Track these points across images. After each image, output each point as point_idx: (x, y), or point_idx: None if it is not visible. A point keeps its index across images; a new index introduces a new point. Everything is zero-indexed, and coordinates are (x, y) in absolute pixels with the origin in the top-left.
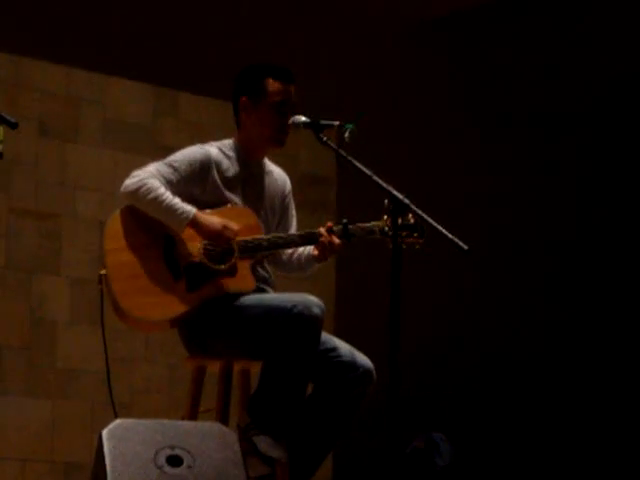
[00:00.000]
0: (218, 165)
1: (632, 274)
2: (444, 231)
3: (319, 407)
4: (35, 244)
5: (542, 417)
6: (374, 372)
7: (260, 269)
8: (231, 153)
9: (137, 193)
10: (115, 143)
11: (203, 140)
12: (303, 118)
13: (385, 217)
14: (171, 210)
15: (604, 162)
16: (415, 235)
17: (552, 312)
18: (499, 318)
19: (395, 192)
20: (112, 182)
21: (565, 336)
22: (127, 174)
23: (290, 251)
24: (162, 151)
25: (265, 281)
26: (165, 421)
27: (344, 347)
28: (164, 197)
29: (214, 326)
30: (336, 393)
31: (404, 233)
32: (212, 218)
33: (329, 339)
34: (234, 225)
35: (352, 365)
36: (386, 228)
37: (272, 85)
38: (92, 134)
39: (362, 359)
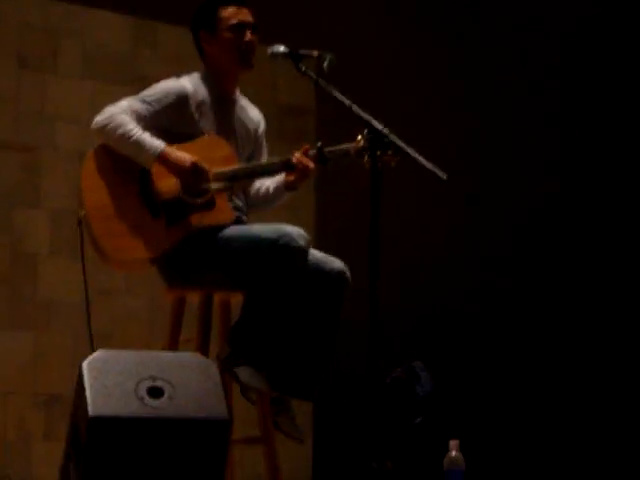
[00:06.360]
0: (192, 96)
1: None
2: (422, 160)
3: (300, 317)
4: (15, 177)
5: (522, 347)
6: (347, 273)
7: (235, 198)
8: (203, 83)
9: (106, 128)
10: (94, 74)
11: (182, 70)
12: (282, 48)
13: (359, 137)
14: (139, 146)
15: (593, 108)
16: (389, 153)
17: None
18: (483, 250)
19: (374, 122)
20: (92, 113)
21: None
22: (106, 104)
23: (257, 185)
24: (141, 81)
25: (241, 210)
26: (146, 352)
27: (314, 255)
28: (132, 132)
29: (197, 259)
30: (314, 300)
31: (378, 152)
32: (182, 155)
33: None
34: (205, 163)
35: (323, 270)
36: (364, 152)
37: (224, 11)
38: (71, 65)
39: (333, 263)
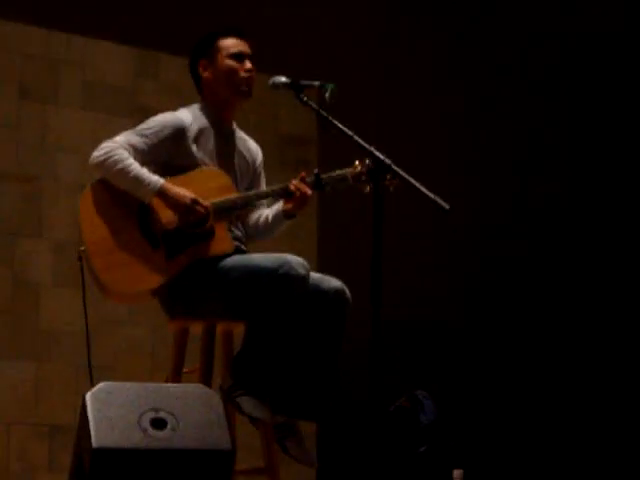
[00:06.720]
0: (190, 128)
1: (622, 249)
2: (425, 191)
3: (301, 339)
4: (17, 207)
5: (526, 373)
6: (346, 291)
7: (234, 228)
8: (202, 113)
9: (104, 164)
10: (95, 105)
11: (184, 101)
12: (283, 79)
13: (357, 162)
14: (138, 181)
15: (592, 110)
16: (388, 177)
17: (542, 277)
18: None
19: (376, 152)
20: (93, 144)
21: (548, 293)
22: (107, 136)
23: (256, 215)
24: (143, 113)
25: (240, 240)
26: (149, 384)
27: (312, 276)
28: (131, 168)
29: (198, 289)
30: (314, 320)
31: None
32: (181, 191)
33: None
34: (203, 197)
35: (322, 290)
36: (362, 177)
37: (224, 41)
38: (72, 96)
39: (330, 282)
